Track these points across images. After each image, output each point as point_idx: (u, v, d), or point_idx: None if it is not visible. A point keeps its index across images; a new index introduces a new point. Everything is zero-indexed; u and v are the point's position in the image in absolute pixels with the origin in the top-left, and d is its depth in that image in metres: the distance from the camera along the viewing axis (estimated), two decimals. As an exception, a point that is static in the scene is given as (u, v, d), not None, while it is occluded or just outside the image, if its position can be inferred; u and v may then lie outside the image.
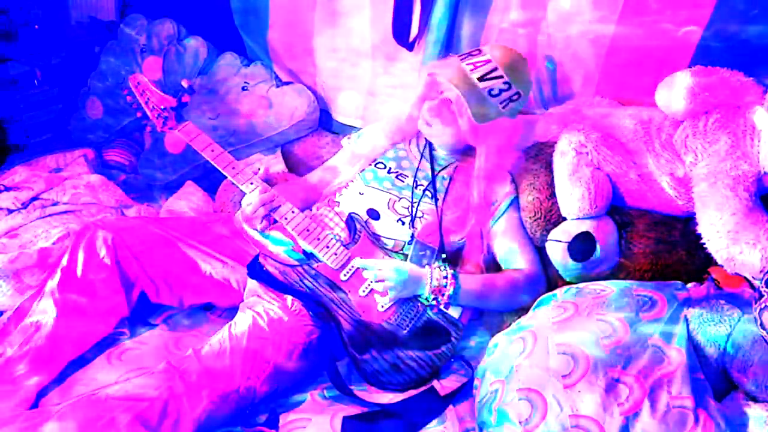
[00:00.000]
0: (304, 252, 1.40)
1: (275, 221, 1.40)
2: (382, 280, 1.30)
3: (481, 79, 1.35)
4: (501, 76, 1.35)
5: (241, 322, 1.26)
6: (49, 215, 1.72)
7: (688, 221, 1.33)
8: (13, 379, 1.17)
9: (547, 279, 1.44)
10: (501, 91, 1.35)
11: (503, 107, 1.37)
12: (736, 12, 1.30)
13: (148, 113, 1.56)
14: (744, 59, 1.31)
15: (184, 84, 1.60)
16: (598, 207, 1.39)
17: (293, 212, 1.39)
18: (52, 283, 1.28)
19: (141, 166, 2.11)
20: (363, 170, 1.55)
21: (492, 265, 1.47)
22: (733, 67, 1.30)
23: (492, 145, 1.42)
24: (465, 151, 1.48)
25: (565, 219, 1.44)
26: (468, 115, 1.36)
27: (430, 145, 1.53)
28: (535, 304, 1.29)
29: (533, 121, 1.61)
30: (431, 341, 1.32)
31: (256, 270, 1.33)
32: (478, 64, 1.36)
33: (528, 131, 1.57)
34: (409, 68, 1.77)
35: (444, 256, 1.40)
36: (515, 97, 1.37)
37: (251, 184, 1.40)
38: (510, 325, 1.26)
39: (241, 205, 1.40)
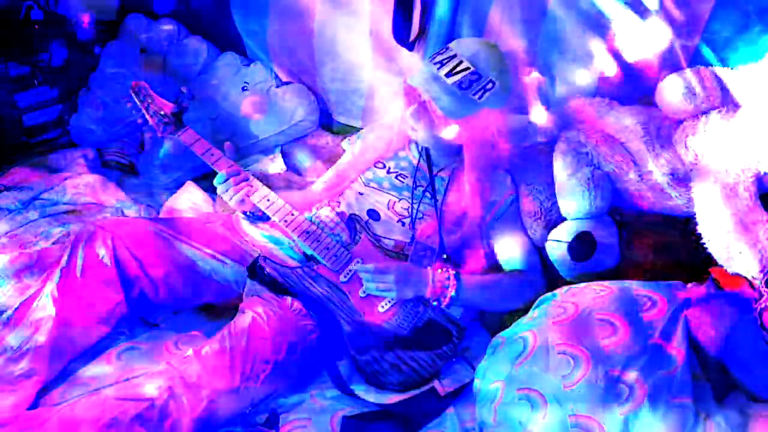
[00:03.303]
0: (305, 253, 1.40)
1: (268, 218, 1.40)
2: (382, 284, 1.30)
3: (448, 74, 1.34)
4: (468, 68, 1.34)
5: (241, 322, 1.25)
6: (49, 215, 1.72)
7: (688, 221, 1.33)
8: (12, 378, 1.17)
9: (547, 279, 1.44)
10: (471, 82, 1.34)
11: (479, 98, 1.35)
12: (736, 10, 1.30)
13: (149, 119, 1.56)
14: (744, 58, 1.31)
15: (184, 90, 1.60)
16: (598, 207, 1.39)
17: (293, 214, 1.39)
18: (52, 283, 1.27)
19: (141, 166, 2.10)
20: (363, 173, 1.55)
21: (492, 265, 1.47)
22: (734, 66, 1.30)
23: (477, 140, 1.41)
24: (460, 151, 1.48)
25: (565, 219, 1.44)
26: (441, 113, 1.35)
27: (427, 149, 1.53)
28: (536, 304, 1.29)
29: (532, 120, 1.61)
30: (432, 341, 1.32)
31: (256, 272, 1.33)
32: (445, 61, 1.35)
33: (526, 130, 1.57)
34: (409, 69, 1.77)
35: (444, 256, 1.40)
36: (489, 86, 1.35)
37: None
38: (510, 325, 1.26)
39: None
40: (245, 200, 1.38)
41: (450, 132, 1.38)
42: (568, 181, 1.40)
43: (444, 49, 1.39)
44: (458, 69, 1.33)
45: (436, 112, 1.36)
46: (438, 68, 1.35)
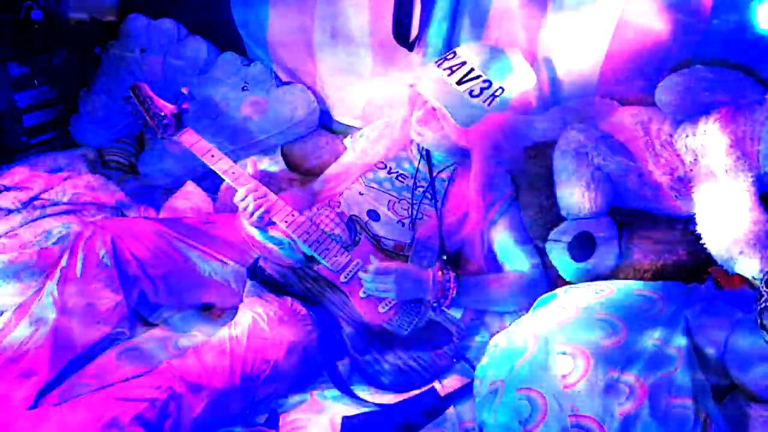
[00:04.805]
0: (305, 254, 1.40)
1: (274, 222, 1.40)
2: (382, 285, 1.30)
3: (459, 82, 1.34)
4: (479, 76, 1.34)
5: (241, 322, 1.26)
6: (49, 215, 1.72)
7: (688, 221, 1.33)
8: (12, 379, 1.17)
9: (547, 279, 1.44)
10: (482, 90, 1.34)
11: (488, 105, 1.35)
12: (737, 6, 1.29)
13: (149, 120, 1.56)
14: (746, 53, 1.31)
15: (184, 91, 1.60)
16: (598, 207, 1.39)
17: (293, 215, 1.39)
18: (52, 283, 1.28)
19: (141, 166, 2.10)
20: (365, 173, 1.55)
21: (493, 266, 1.47)
22: (735, 61, 1.30)
23: (485, 144, 1.41)
24: (463, 153, 1.48)
25: (565, 219, 1.44)
26: (452, 121, 1.35)
27: (427, 149, 1.53)
28: (536, 304, 1.29)
29: (532, 120, 1.61)
30: (433, 342, 1.32)
31: (256, 272, 1.33)
32: (455, 68, 1.35)
33: (526, 130, 1.57)
34: (409, 69, 1.77)
35: (445, 257, 1.40)
36: (498, 93, 1.36)
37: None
38: (510, 325, 1.26)
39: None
40: (264, 218, 1.38)
41: (458, 137, 1.38)
42: (567, 181, 1.40)
43: (452, 55, 1.38)
44: (469, 76, 1.33)
45: (446, 119, 1.36)
46: (448, 75, 1.34)
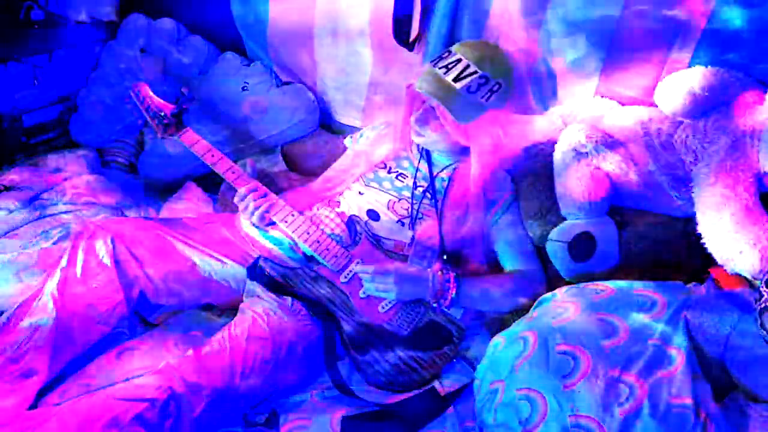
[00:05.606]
0: (305, 254, 1.40)
1: (274, 222, 1.40)
2: (382, 285, 1.30)
3: (456, 79, 1.33)
4: (475, 72, 1.33)
5: (241, 322, 1.26)
6: (49, 215, 1.72)
7: (688, 221, 1.33)
8: (12, 379, 1.17)
9: (547, 279, 1.44)
10: (479, 86, 1.33)
11: (486, 100, 1.35)
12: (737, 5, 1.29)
13: (149, 120, 1.56)
14: (747, 48, 1.31)
15: (184, 91, 1.60)
16: (598, 206, 1.39)
17: (293, 215, 1.39)
18: (52, 283, 1.28)
19: (141, 166, 2.10)
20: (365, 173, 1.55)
21: (493, 265, 1.47)
22: (736, 56, 1.30)
23: (485, 141, 1.41)
24: (463, 152, 1.48)
25: (565, 219, 1.44)
26: (452, 119, 1.35)
27: (427, 149, 1.53)
28: (536, 304, 1.29)
29: (532, 120, 1.61)
30: (433, 342, 1.32)
31: (256, 272, 1.33)
32: (451, 65, 1.35)
33: (526, 130, 1.57)
34: (409, 69, 1.77)
35: (445, 257, 1.40)
36: (496, 88, 1.35)
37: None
38: (510, 325, 1.26)
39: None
40: (264, 218, 1.39)
41: (458, 135, 1.38)
42: (568, 181, 1.40)
43: (447, 53, 1.38)
44: (466, 73, 1.33)
45: (445, 117, 1.35)
46: (444, 73, 1.34)
